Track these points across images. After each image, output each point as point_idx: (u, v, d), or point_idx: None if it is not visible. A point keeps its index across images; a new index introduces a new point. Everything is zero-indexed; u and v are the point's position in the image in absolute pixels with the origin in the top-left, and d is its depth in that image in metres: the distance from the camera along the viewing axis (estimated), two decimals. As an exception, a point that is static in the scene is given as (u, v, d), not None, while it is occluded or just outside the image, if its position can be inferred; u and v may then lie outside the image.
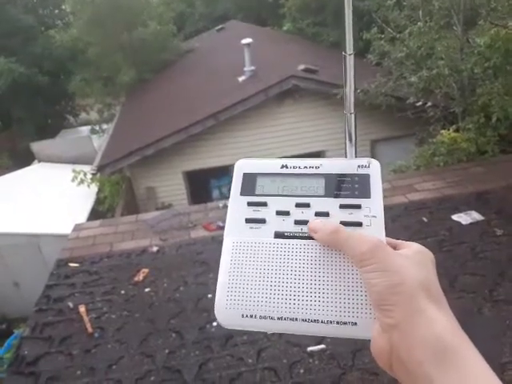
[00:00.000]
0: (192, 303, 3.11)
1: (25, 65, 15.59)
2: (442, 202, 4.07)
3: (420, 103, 6.39)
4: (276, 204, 0.56)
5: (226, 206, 4.26)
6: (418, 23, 6.17)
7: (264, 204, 0.57)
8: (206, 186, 9.48)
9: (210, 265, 3.53)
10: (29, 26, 17.17)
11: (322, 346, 2.57)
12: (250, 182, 0.59)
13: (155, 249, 3.84)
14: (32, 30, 17.49)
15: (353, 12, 0.48)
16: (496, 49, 4.79)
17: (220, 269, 0.54)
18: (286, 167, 0.59)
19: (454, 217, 3.79)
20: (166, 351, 2.69)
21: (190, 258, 3.68)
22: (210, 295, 3.17)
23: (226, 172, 9.08)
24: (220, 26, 16.45)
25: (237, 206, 0.58)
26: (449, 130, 5.67)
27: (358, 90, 7.17)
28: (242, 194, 0.59)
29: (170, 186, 8.90)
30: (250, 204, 0.57)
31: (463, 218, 3.76)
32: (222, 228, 4.33)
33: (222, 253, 0.55)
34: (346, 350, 2.51)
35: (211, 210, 4.43)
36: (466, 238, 3.48)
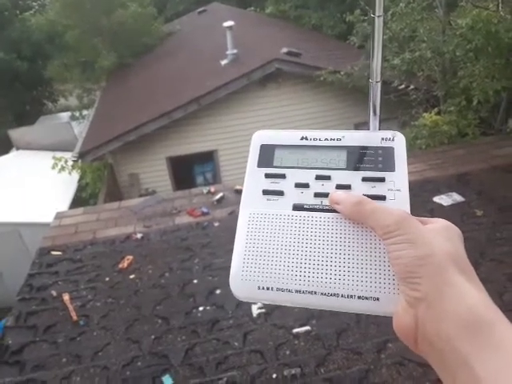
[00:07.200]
0: (177, 289, 3.11)
1: (3, 50, 15.05)
2: (424, 184, 4.13)
3: (403, 86, 6.41)
4: (295, 176, 0.55)
5: (209, 192, 4.24)
6: (400, 4, 6.16)
7: (282, 176, 0.55)
8: (189, 171, 9.41)
9: (195, 251, 3.52)
10: (3, 7, 16.53)
11: (307, 328, 2.60)
12: (267, 154, 0.58)
13: (139, 235, 3.81)
14: (6, 12, 16.84)
15: None
16: (477, 30, 4.79)
17: (236, 240, 0.52)
18: (306, 139, 0.58)
19: (436, 198, 3.85)
20: (152, 337, 2.70)
21: (174, 244, 3.67)
22: (195, 281, 3.18)
23: (209, 157, 9.02)
24: (201, 9, 16.09)
25: (254, 177, 0.56)
26: (431, 112, 5.71)
27: (342, 73, 7.16)
28: (259, 165, 0.57)
29: (154, 172, 8.80)
30: (267, 176, 0.56)
31: (444, 199, 3.83)
32: (206, 214, 4.28)
33: (238, 224, 0.53)
34: (331, 330, 2.55)
35: (195, 195, 4.40)
36: (447, 219, 3.51)
